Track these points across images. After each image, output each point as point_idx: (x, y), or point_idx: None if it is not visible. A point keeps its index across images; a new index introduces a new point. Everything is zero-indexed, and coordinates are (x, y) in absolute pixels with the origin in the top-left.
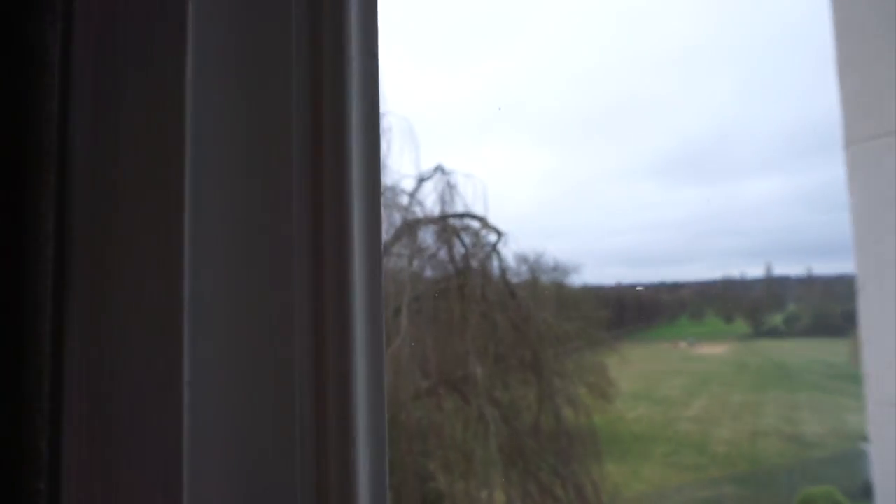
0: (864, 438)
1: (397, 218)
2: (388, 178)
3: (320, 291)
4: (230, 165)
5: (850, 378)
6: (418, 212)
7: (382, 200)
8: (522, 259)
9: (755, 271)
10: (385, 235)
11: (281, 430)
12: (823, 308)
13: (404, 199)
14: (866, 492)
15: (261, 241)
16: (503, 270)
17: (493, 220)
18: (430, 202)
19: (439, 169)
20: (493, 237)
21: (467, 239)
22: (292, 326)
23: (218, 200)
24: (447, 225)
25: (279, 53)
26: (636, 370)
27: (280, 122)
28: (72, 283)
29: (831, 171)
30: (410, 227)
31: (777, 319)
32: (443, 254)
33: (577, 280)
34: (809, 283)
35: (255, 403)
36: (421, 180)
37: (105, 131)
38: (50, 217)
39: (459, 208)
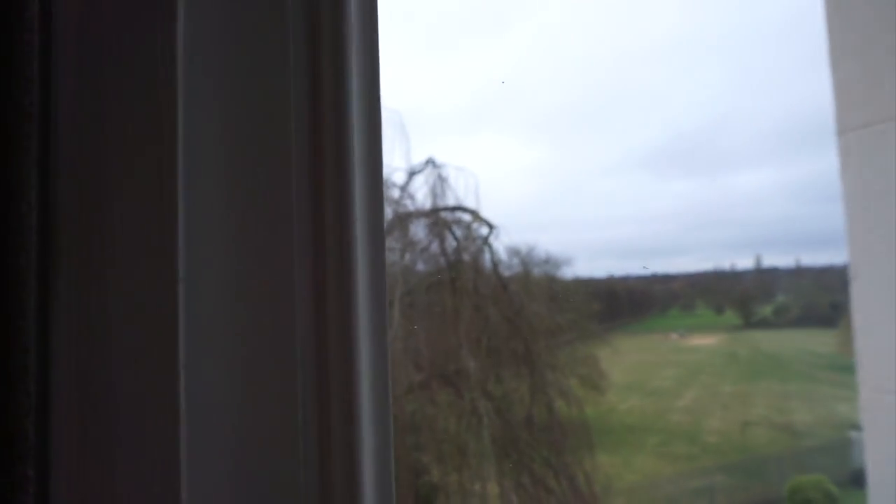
0: (854, 427)
1: (388, 211)
2: None
3: (322, 283)
4: (226, 135)
5: (839, 368)
6: (409, 205)
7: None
8: (514, 252)
9: (745, 263)
10: None
11: (282, 420)
12: (812, 299)
13: (395, 193)
14: (855, 480)
15: (260, 229)
16: (495, 263)
17: (484, 213)
18: (421, 195)
19: (430, 162)
20: (484, 230)
21: (459, 232)
22: (293, 315)
23: (214, 175)
24: (439, 218)
25: (276, 22)
26: (628, 362)
27: (279, 95)
28: (58, 255)
29: (820, 163)
30: (402, 220)
31: (767, 310)
32: (434, 247)
33: (568, 272)
34: (798, 274)
35: (255, 391)
36: (412, 173)
37: (91, 94)
38: (33, 185)
39: (451, 201)
